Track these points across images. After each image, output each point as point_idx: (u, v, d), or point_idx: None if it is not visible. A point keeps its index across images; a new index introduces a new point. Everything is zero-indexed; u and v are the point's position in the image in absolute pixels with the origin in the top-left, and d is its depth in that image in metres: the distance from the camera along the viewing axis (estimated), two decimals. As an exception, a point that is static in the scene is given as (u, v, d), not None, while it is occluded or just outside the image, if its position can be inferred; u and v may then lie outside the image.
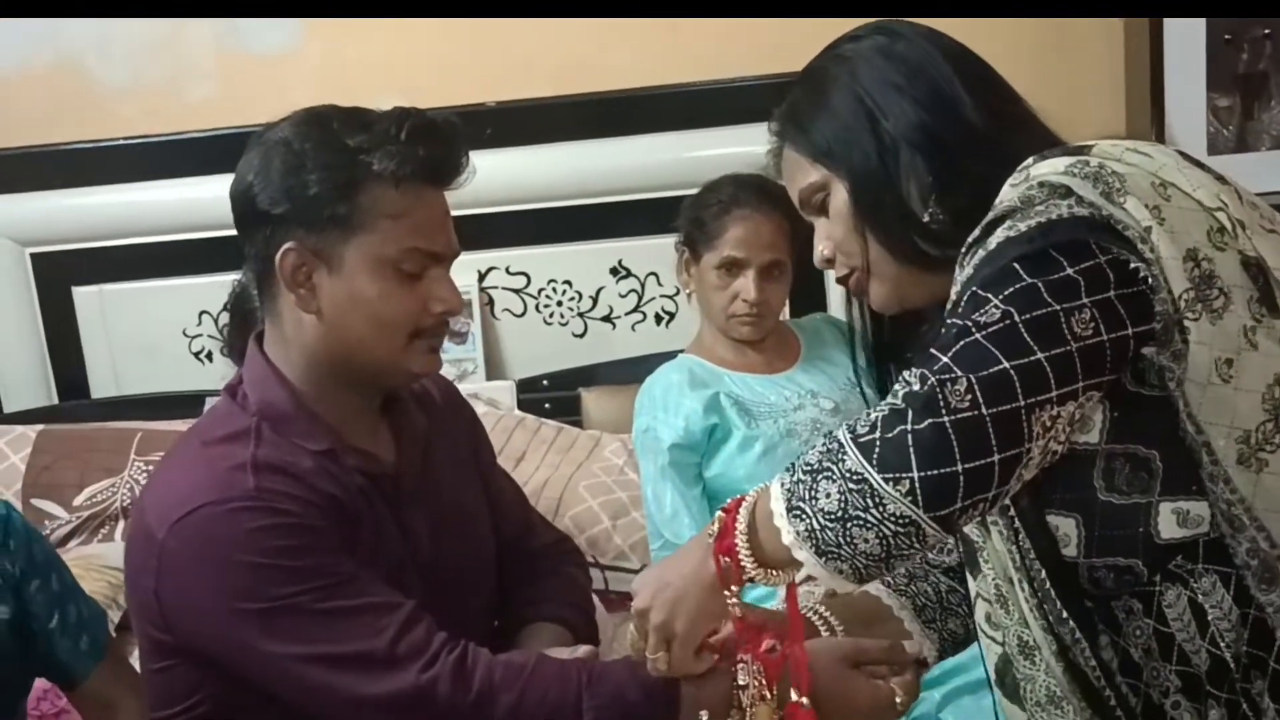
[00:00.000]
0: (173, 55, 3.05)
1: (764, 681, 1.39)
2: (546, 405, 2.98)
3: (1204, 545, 1.23)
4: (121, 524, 2.76)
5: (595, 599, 1.89)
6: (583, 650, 1.57)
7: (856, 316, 1.53)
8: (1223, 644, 1.23)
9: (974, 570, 1.38)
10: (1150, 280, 1.19)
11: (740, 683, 1.40)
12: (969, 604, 1.46)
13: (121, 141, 3.05)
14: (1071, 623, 1.28)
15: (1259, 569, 1.20)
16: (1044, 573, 1.28)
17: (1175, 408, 1.20)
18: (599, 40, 2.90)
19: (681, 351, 2.62)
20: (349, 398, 1.55)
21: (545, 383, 3.05)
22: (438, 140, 1.49)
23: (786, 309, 2.86)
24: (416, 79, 2.81)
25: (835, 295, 2.92)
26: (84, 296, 3.13)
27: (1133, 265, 1.19)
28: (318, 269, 1.48)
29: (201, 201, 2.91)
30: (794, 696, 1.35)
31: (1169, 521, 1.23)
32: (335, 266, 1.47)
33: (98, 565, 2.57)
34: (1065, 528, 1.26)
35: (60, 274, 3.12)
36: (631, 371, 2.80)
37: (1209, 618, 1.23)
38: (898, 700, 1.49)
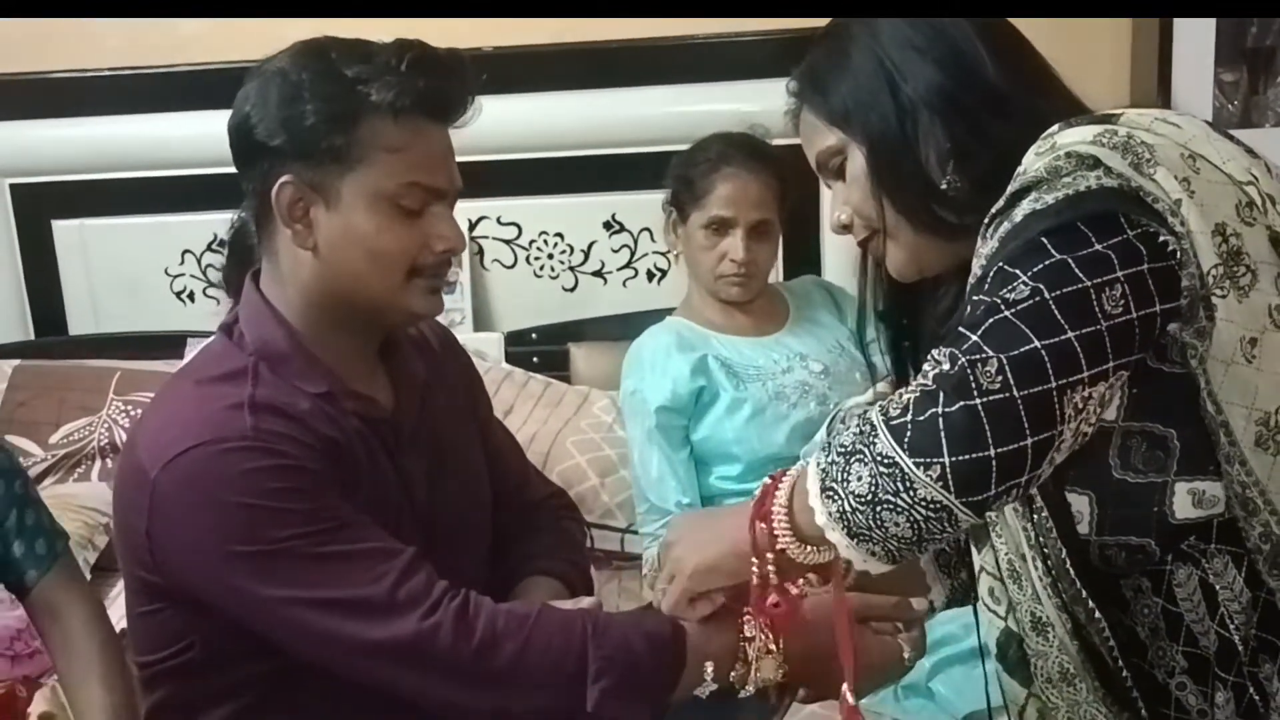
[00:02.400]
0: (164, -14, 2.97)
1: (770, 635, 1.39)
2: (534, 359, 2.96)
3: (1218, 526, 1.22)
4: (99, 464, 2.73)
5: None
6: (587, 601, 1.55)
7: (870, 280, 1.50)
8: (1232, 626, 1.23)
9: (980, 543, 1.36)
10: (1179, 255, 1.17)
11: (747, 635, 1.40)
12: None
13: (108, 72, 2.99)
14: (1091, 601, 1.27)
15: (1270, 553, 1.19)
16: (1063, 550, 1.27)
17: (1196, 386, 1.18)
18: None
19: (672, 311, 2.61)
20: (347, 340, 1.52)
21: (534, 336, 3.02)
22: (439, 73, 1.45)
23: (780, 271, 2.84)
24: (415, 20, 2.75)
25: (829, 258, 2.91)
26: (64, 230, 3.08)
27: (1162, 239, 1.17)
28: (315, 203, 1.44)
29: (188, 137, 2.88)
30: (846, 693, 1.34)
31: (1184, 502, 1.21)
32: (333, 201, 1.44)
33: (74, 505, 2.54)
34: (1078, 505, 1.25)
35: (40, 206, 3.07)
36: (622, 328, 2.79)
37: (1219, 599, 1.23)
38: (905, 656, 1.51)
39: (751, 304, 2.53)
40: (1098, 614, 1.28)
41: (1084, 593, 1.28)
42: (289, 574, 1.38)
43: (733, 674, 1.42)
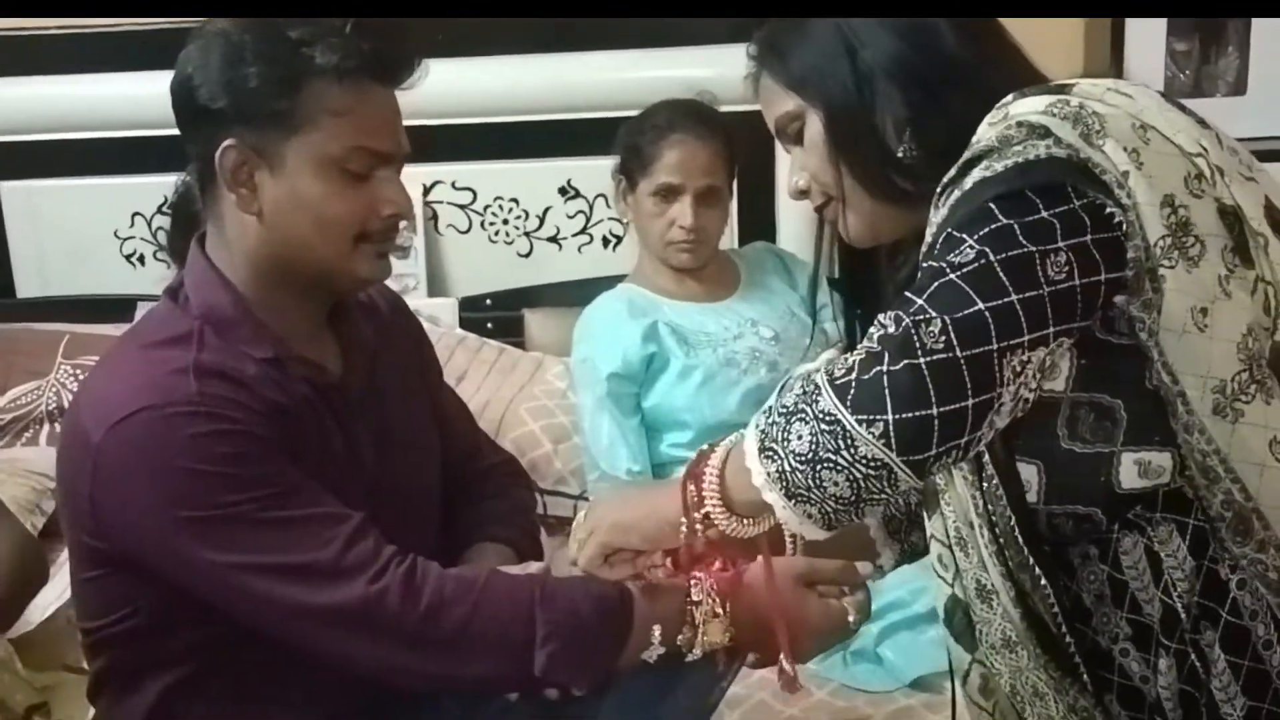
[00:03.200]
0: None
1: (716, 599, 1.42)
2: (489, 325, 2.96)
3: (1164, 495, 1.24)
4: (46, 428, 2.71)
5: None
6: (535, 566, 1.56)
7: (826, 247, 1.51)
8: (1175, 593, 1.25)
9: (931, 510, 1.38)
10: (1125, 226, 1.18)
11: (694, 599, 1.42)
12: None
13: (57, 31, 2.94)
14: (1037, 569, 1.29)
15: (1233, 521, 1.21)
16: (1012, 519, 1.28)
17: (1144, 357, 1.20)
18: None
19: (627, 277, 2.61)
20: (294, 305, 1.51)
21: (488, 302, 3.02)
22: (384, 34, 1.45)
23: (735, 238, 2.85)
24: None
25: (785, 225, 2.92)
26: (11, 192, 3.05)
27: (1108, 210, 1.18)
28: (259, 168, 1.44)
29: (138, 98, 2.82)
30: (784, 664, 1.40)
31: (1130, 472, 1.23)
32: (277, 166, 1.43)
33: (21, 470, 2.54)
34: (1027, 474, 1.27)
35: (-13, 167, 3.04)
36: (577, 294, 2.79)
37: (1164, 567, 1.25)
38: (850, 619, 1.52)
39: (702, 270, 2.55)
40: (1043, 581, 1.30)
41: (1030, 560, 1.30)
42: (235, 539, 1.37)
43: (680, 638, 1.44)
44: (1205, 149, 1.24)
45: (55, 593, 2.25)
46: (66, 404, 2.69)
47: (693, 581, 1.42)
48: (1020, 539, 1.29)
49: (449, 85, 2.68)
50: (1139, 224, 1.18)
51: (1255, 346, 1.20)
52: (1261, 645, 1.22)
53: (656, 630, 1.43)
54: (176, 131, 1.50)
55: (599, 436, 2.44)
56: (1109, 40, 2.80)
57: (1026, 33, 1.41)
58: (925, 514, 1.40)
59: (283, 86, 1.41)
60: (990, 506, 1.30)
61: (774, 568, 1.41)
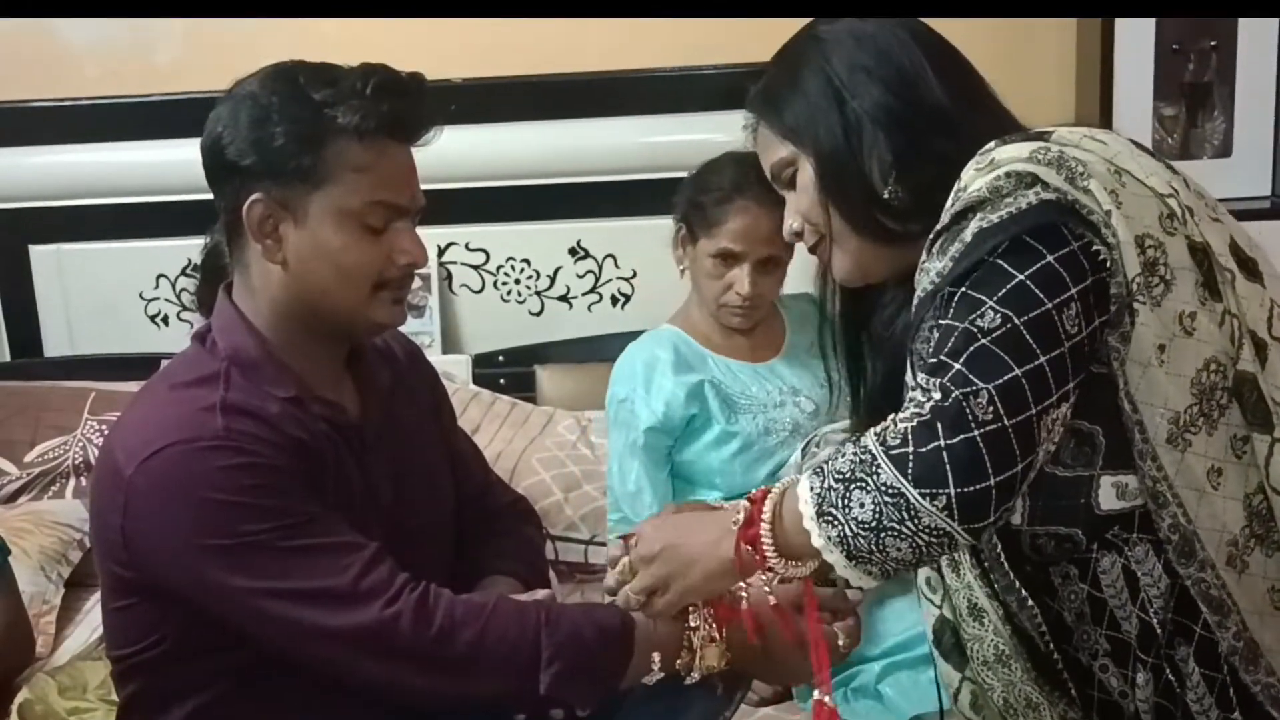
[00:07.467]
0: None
1: (714, 624, 1.46)
2: (501, 381, 3.00)
3: (1139, 516, 1.30)
4: (73, 481, 2.76)
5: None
6: (541, 594, 1.61)
7: (827, 290, 1.58)
8: (1151, 610, 1.30)
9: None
10: (1110, 264, 1.24)
11: (691, 625, 1.46)
12: None
13: (85, 101, 3.03)
14: (1023, 591, 1.34)
15: (1179, 543, 1.27)
16: (998, 544, 1.34)
17: (1117, 385, 1.26)
18: (569, 22, 2.91)
19: (637, 334, 2.57)
20: (315, 348, 1.58)
21: (501, 358, 3.06)
22: (401, 95, 1.52)
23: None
24: (386, 54, 2.81)
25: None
26: (41, 255, 3.12)
27: (1095, 247, 1.24)
28: (284, 220, 1.51)
29: (163, 165, 2.91)
30: (816, 694, 1.40)
31: (1109, 494, 1.29)
32: (300, 218, 1.50)
33: (49, 521, 2.58)
34: None
35: (17, 232, 3.10)
36: (586, 350, 2.84)
37: (1140, 584, 1.30)
38: (840, 644, 1.55)
39: (751, 328, 2.45)
40: (1030, 601, 1.35)
41: (1016, 582, 1.35)
42: (258, 566, 1.43)
43: (678, 662, 1.48)
44: (1176, 190, 1.31)
45: (88, 630, 2.32)
46: (92, 458, 2.73)
47: (691, 608, 1.45)
48: (1005, 562, 1.35)
49: (462, 150, 2.75)
50: (1121, 261, 1.24)
51: (1210, 380, 1.26)
52: (1227, 655, 1.27)
53: (656, 656, 1.48)
54: (199, 196, 1.57)
55: (626, 481, 2.38)
56: (1099, 106, 2.87)
57: (1017, 105, 1.47)
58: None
59: (307, 145, 1.48)
60: None
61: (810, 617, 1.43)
